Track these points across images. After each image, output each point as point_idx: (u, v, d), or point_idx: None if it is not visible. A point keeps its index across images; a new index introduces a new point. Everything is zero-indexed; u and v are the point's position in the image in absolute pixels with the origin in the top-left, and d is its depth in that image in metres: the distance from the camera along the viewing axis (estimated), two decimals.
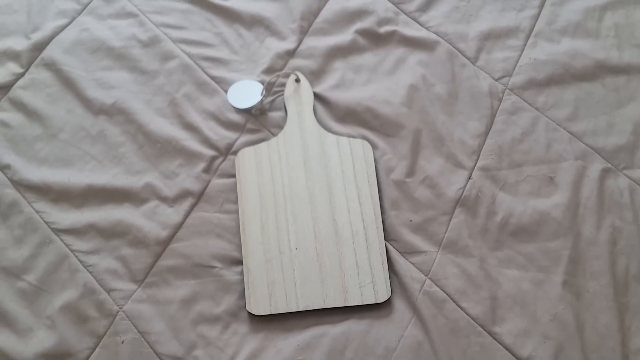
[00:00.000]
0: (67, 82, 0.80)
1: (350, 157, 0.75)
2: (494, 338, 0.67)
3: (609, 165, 0.77)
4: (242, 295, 0.69)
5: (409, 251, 0.72)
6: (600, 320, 0.68)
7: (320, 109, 0.80)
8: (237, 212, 0.73)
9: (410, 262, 0.71)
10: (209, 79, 0.81)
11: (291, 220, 0.72)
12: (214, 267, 0.71)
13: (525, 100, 0.81)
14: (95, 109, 0.79)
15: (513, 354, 0.66)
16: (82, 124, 0.78)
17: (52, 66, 0.81)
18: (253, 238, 0.71)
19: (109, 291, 0.69)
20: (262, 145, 0.76)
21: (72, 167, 0.75)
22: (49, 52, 0.82)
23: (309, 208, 0.72)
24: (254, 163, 0.75)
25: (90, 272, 0.70)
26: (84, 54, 0.82)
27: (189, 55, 0.83)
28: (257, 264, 0.69)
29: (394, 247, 0.72)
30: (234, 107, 0.79)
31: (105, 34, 0.84)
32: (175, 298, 0.69)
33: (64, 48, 0.83)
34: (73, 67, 0.81)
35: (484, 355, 0.66)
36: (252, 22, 0.85)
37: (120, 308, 0.68)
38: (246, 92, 0.79)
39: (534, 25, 0.86)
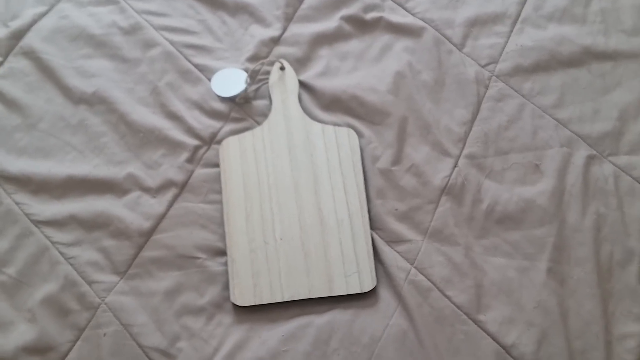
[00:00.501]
0: (47, 71, 0.79)
1: (336, 145, 0.75)
2: (478, 326, 0.67)
3: (594, 152, 0.76)
4: (227, 286, 0.68)
5: (394, 240, 0.71)
6: (584, 307, 0.68)
7: (306, 97, 0.79)
8: (221, 202, 0.72)
9: (396, 250, 0.71)
10: (192, 67, 0.80)
11: (276, 209, 0.71)
12: (198, 258, 0.70)
13: (511, 87, 0.80)
14: (76, 98, 0.77)
15: (497, 342, 0.66)
16: (62, 113, 0.76)
17: (31, 54, 0.80)
18: (237, 228, 0.70)
19: (90, 283, 0.68)
20: (247, 134, 0.75)
21: (52, 157, 0.74)
22: (28, 41, 0.81)
23: (294, 197, 0.72)
24: (238, 152, 0.74)
25: (72, 265, 0.69)
26: (64, 42, 0.81)
27: (172, 42, 0.81)
28: (241, 254, 0.69)
29: (379, 236, 0.71)
30: (218, 96, 0.78)
31: (85, 22, 0.82)
32: (158, 290, 0.68)
33: (43, 36, 0.81)
34: (52, 56, 0.79)
35: (469, 343, 0.66)
36: (236, 8, 0.84)
37: (102, 300, 0.67)
38: (230, 81, 0.78)
39: (521, 11, 0.86)
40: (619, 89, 0.80)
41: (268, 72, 0.80)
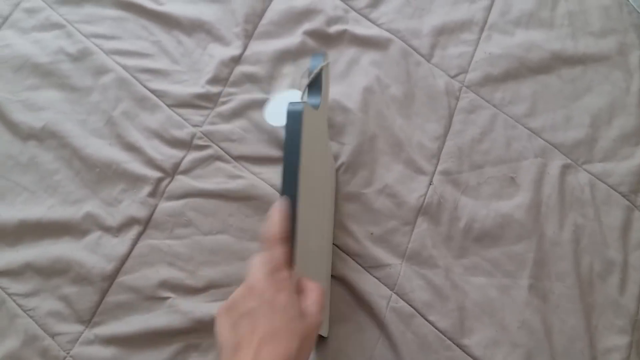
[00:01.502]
0: None
1: None
2: (463, 351, 0.65)
3: (569, 161, 0.75)
4: None
5: (372, 265, 0.69)
6: (567, 323, 0.67)
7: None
8: (189, 236, 0.69)
9: (375, 276, 0.68)
10: (149, 93, 0.75)
11: None
12: (167, 297, 0.66)
13: (482, 98, 0.78)
14: (24, 134, 0.72)
15: None
16: (9, 151, 0.71)
17: None
18: None
19: (53, 336, 0.64)
20: None
21: (2, 200, 0.69)
22: None
23: None
24: None
25: (31, 317, 0.65)
26: (7, 73, 0.75)
27: (125, 67, 0.76)
28: None
29: (357, 262, 0.69)
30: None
31: (30, 49, 0.76)
32: (127, 335, 0.64)
33: None
34: None
35: None
36: (192, 27, 0.79)
37: (67, 353, 0.63)
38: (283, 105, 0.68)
39: (487, 17, 0.83)
40: (590, 94, 0.79)
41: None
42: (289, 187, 0.44)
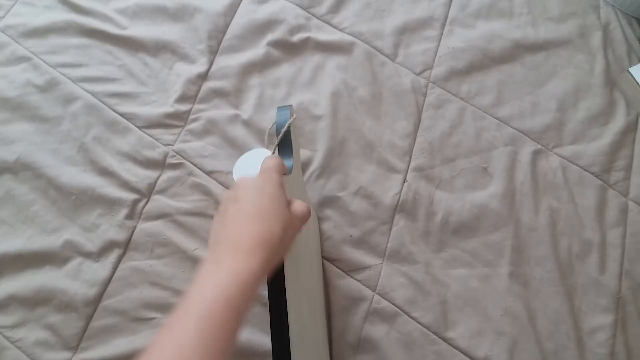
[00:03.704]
0: None
1: None
2: (449, 344, 0.66)
3: (539, 146, 0.76)
4: None
5: (353, 269, 0.69)
6: (550, 307, 0.68)
7: (244, 132, 0.76)
8: (169, 255, 0.69)
9: (356, 279, 0.69)
10: (118, 117, 0.76)
11: None
12: (153, 318, 0.67)
13: (449, 92, 0.79)
14: None
15: (469, 357, 0.65)
16: None
17: None
18: None
19: None
20: None
21: None
22: None
23: None
24: None
25: (19, 347, 0.65)
26: None
27: (93, 94, 0.77)
28: None
29: (337, 267, 0.69)
30: None
31: None
32: (115, 358, 0.64)
33: None
34: None
35: None
36: (157, 48, 0.80)
37: None
38: (253, 164, 0.66)
39: (448, 13, 0.85)
40: (554, 79, 0.80)
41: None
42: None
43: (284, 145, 0.55)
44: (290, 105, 0.56)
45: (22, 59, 0.79)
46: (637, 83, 0.77)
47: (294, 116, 0.55)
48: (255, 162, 0.63)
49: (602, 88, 0.80)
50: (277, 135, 0.54)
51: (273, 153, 0.54)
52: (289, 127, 0.54)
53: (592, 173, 0.75)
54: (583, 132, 0.77)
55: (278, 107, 0.55)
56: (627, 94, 0.79)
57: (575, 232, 0.71)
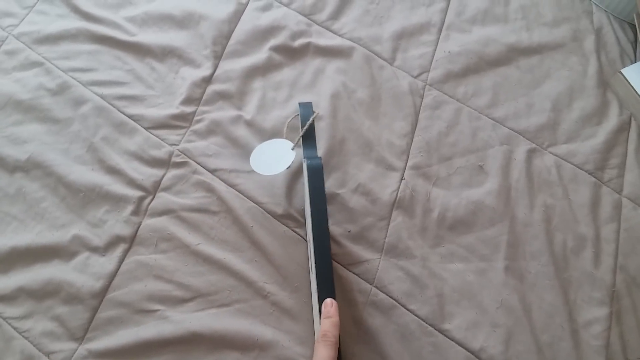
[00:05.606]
0: None
1: None
2: (445, 335, 0.67)
3: (534, 145, 0.78)
4: None
5: (351, 263, 0.71)
6: (545, 300, 0.69)
7: (247, 132, 0.79)
8: (173, 249, 0.71)
9: (354, 273, 0.70)
10: (126, 119, 0.79)
11: None
12: (157, 310, 0.68)
13: (445, 94, 0.82)
14: (10, 167, 0.75)
15: (465, 348, 0.66)
16: None
17: None
18: None
19: (48, 354, 0.66)
20: None
21: None
22: None
23: None
24: None
25: (26, 338, 0.67)
26: None
27: (102, 96, 0.80)
28: None
29: (336, 261, 0.71)
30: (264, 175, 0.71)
31: (12, 88, 0.80)
32: (120, 349, 0.66)
33: None
34: None
35: (438, 354, 0.66)
36: (164, 53, 0.84)
37: None
38: (273, 154, 0.68)
39: (444, 19, 0.87)
40: (548, 81, 0.82)
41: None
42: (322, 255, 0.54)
43: (308, 137, 0.59)
44: (311, 102, 0.60)
45: (35, 64, 0.82)
46: (630, 84, 0.79)
47: (317, 112, 0.60)
48: (272, 152, 0.65)
49: (596, 89, 0.82)
50: (302, 127, 0.57)
51: (297, 143, 0.58)
52: (313, 120, 0.58)
53: (586, 171, 0.76)
54: (577, 132, 0.79)
55: (299, 103, 0.60)
56: (620, 95, 0.81)
57: (570, 227, 0.73)
